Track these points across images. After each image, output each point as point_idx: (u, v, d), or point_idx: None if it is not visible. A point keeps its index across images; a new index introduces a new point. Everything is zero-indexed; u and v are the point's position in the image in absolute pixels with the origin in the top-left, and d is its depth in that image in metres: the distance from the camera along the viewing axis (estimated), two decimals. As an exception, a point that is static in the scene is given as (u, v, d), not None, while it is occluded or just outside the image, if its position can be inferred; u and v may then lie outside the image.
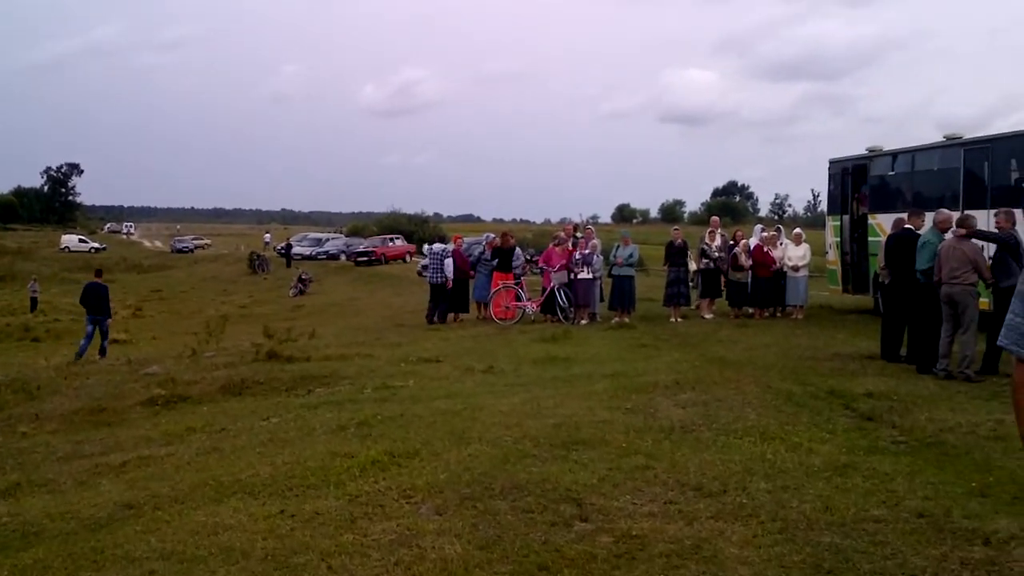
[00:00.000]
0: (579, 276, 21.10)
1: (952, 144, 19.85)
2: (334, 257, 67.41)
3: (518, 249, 23.69)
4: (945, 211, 13.84)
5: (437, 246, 23.83)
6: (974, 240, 12.74)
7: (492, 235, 25.17)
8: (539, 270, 24.15)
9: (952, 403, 10.39)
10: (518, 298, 21.91)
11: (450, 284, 22.77)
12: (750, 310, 21.48)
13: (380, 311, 28.06)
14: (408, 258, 60.67)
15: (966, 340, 12.18)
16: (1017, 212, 13.80)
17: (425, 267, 30.64)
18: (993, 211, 13.55)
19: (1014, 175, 17.47)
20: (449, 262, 22.71)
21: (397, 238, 66.11)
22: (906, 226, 14.23)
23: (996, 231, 12.89)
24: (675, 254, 21.78)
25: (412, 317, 23.26)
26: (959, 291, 12.16)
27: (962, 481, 7.09)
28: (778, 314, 21.58)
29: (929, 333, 12.91)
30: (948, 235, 12.95)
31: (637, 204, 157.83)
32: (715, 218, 24.76)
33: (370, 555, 5.64)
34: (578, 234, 23.65)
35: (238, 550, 5.79)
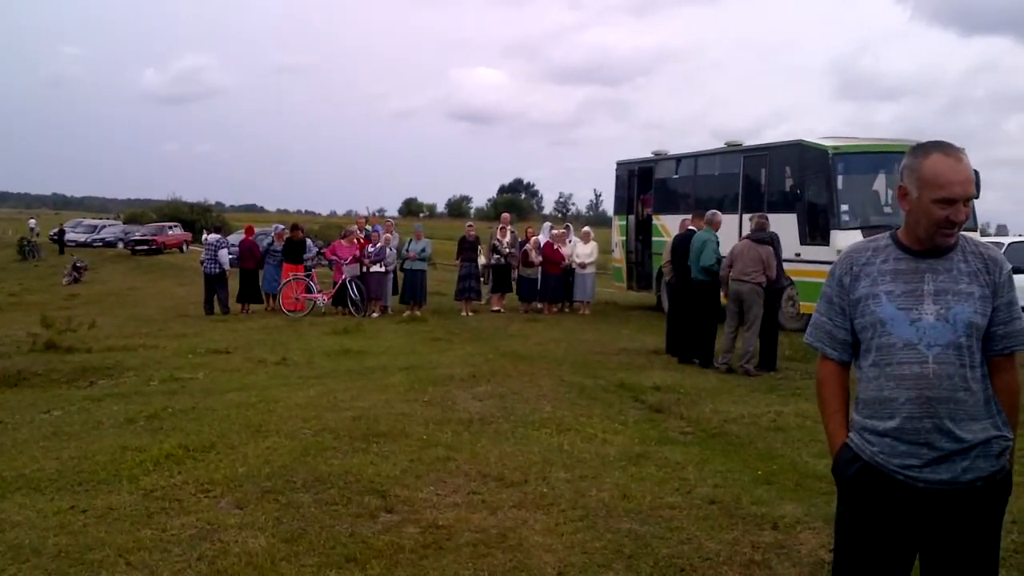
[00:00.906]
0: (371, 269, 20.97)
1: (733, 150, 20.88)
2: (111, 244, 64.41)
3: (309, 241, 23.32)
4: (718, 212, 14.48)
5: (212, 236, 23.11)
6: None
7: (281, 226, 24.71)
8: (328, 262, 23.84)
9: (733, 396, 10.93)
10: (308, 290, 21.58)
11: (228, 274, 22.16)
12: (539, 305, 21.90)
13: (162, 301, 26.99)
14: (185, 247, 58.79)
15: (749, 337, 12.80)
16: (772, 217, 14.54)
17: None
18: (753, 215, 14.28)
19: (788, 181, 18.49)
20: (224, 252, 22.09)
21: (175, 226, 63.84)
22: (690, 227, 14.85)
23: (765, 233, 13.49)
24: (467, 249, 21.96)
25: (197, 308, 22.48)
26: (748, 289, 12.75)
27: (748, 469, 7.47)
28: (566, 309, 22.11)
29: (710, 329, 13.50)
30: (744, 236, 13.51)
31: (424, 199, 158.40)
32: (506, 215, 25.10)
33: (171, 550, 5.44)
34: (374, 227, 23.54)
35: (28, 547, 5.47)
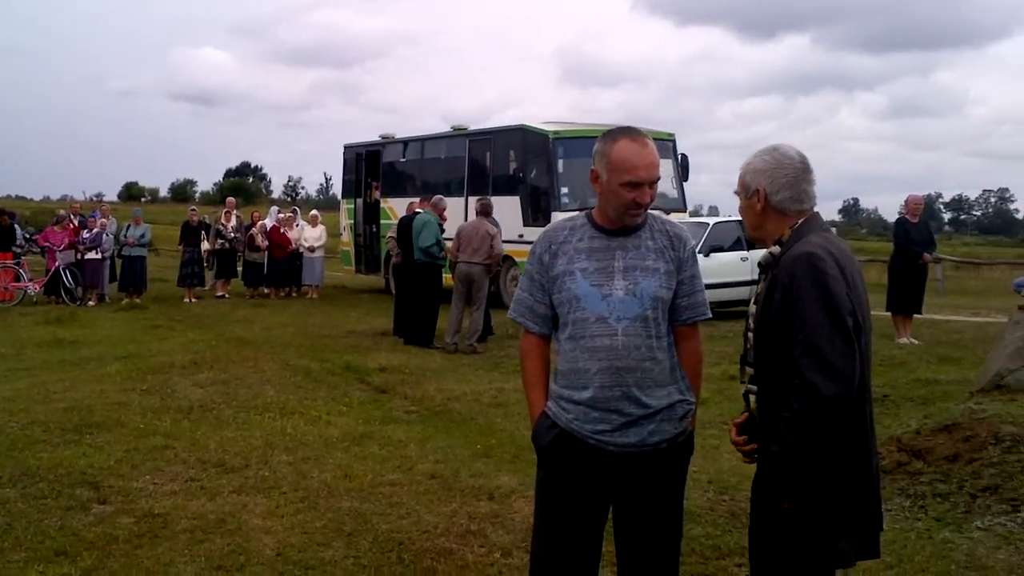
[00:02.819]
0: (87, 256, 19.96)
1: (458, 134, 21.24)
2: None
3: (17, 227, 21.91)
4: (444, 198, 14.74)
5: None
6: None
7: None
8: (39, 250, 22.48)
9: (458, 375, 11.18)
10: (18, 279, 20.30)
11: None
12: (266, 290, 21.56)
13: None
14: None
15: (477, 316, 13.12)
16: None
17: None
18: (479, 198, 14.73)
19: (512, 165, 19.01)
20: None
21: None
22: (417, 210, 15.01)
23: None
24: (190, 234, 21.28)
25: None
26: (477, 270, 13.04)
27: (469, 444, 7.70)
28: (294, 294, 21.85)
29: (430, 310, 13.72)
30: (472, 217, 13.78)
31: (146, 183, 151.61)
32: (230, 199, 24.56)
33: None
34: (92, 212, 22.44)
35: None
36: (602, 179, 3.31)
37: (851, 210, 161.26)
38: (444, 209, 14.20)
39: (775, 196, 3.07)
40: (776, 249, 3.06)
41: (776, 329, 2.92)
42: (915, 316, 13.55)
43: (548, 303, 3.43)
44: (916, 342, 12.90)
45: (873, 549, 3.02)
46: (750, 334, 3.10)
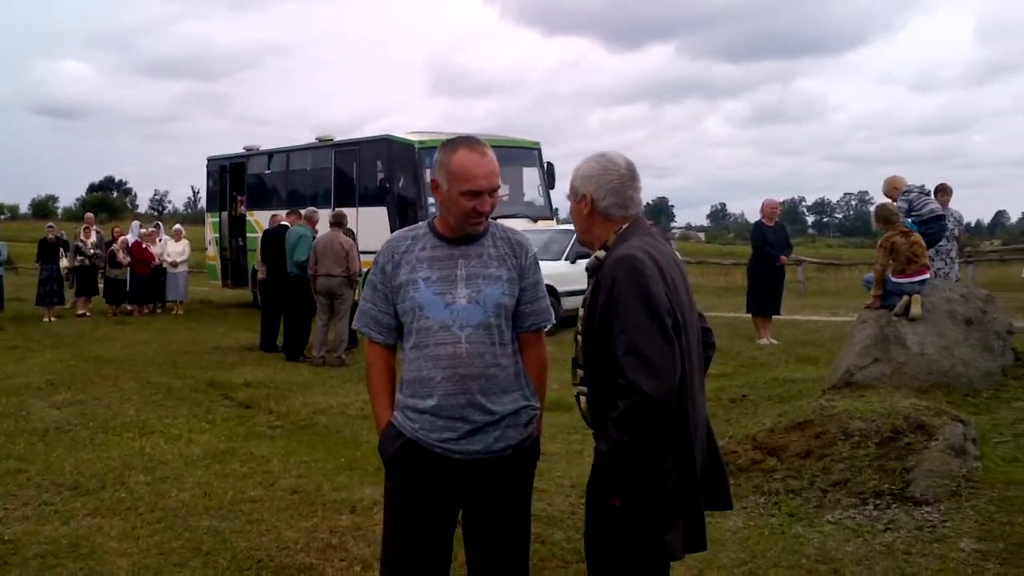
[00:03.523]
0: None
1: (323, 145, 21.09)
2: None
3: None
4: (317, 210, 14.65)
5: None
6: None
7: None
8: None
9: (325, 387, 11.08)
10: None
11: None
12: (129, 307, 21.02)
13: None
14: None
15: (341, 327, 13.04)
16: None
17: None
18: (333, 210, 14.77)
19: (379, 175, 18.94)
20: None
21: None
22: (282, 222, 14.86)
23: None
24: (48, 251, 20.58)
25: None
26: (337, 282, 12.95)
27: (333, 457, 7.64)
28: (158, 310, 21.36)
29: (302, 323, 13.61)
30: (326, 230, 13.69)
31: (5, 199, 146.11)
32: (89, 215, 23.97)
33: None
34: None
35: None
36: (442, 188, 3.33)
37: (718, 215, 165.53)
38: (317, 222, 14.11)
39: (601, 202, 3.14)
40: (602, 253, 3.14)
41: (601, 331, 2.99)
42: (775, 317, 13.94)
43: (392, 313, 3.43)
44: (776, 342, 13.27)
45: (700, 541, 3.10)
46: (579, 337, 3.16)
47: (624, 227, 3.15)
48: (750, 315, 13.84)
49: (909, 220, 9.37)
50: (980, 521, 5.46)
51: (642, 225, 3.19)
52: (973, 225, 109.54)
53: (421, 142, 17.98)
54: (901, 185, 10.74)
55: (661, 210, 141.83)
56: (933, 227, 9.91)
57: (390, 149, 18.69)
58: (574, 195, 3.22)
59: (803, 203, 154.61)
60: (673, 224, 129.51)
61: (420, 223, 3.57)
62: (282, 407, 9.87)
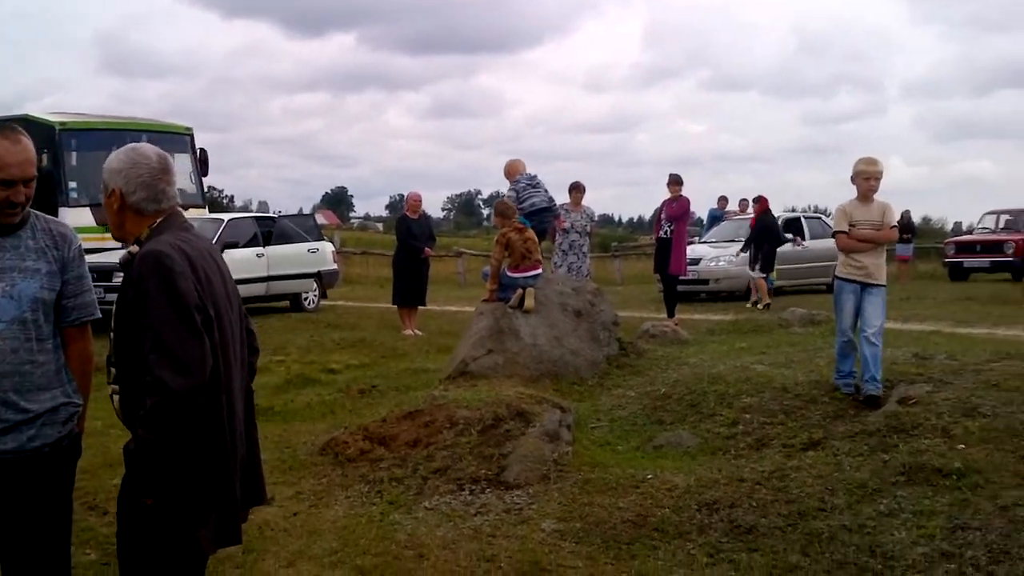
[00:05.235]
0: None
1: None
2: None
3: None
4: None
5: None
6: None
7: None
8: None
9: None
10: None
11: None
12: None
13: None
14: None
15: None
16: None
17: None
18: None
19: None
20: None
21: None
22: None
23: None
24: None
25: None
26: None
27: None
28: None
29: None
30: None
31: None
32: None
33: None
34: None
35: None
36: None
37: (397, 206, 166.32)
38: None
39: (131, 196, 3.09)
40: (135, 248, 3.09)
41: (131, 327, 2.95)
42: (421, 308, 14.23)
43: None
44: (420, 333, 13.55)
45: (235, 535, 3.14)
46: (111, 333, 3.11)
47: (158, 221, 3.11)
48: (395, 306, 14.05)
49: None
50: (563, 503, 5.80)
51: (178, 219, 3.17)
52: (636, 220, 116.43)
53: (63, 124, 16.94)
54: (515, 172, 10.88)
55: (341, 200, 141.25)
56: (534, 220, 9.99)
57: (28, 130, 17.14)
58: (105, 190, 3.15)
59: (479, 196, 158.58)
60: (351, 214, 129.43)
61: None
62: None
